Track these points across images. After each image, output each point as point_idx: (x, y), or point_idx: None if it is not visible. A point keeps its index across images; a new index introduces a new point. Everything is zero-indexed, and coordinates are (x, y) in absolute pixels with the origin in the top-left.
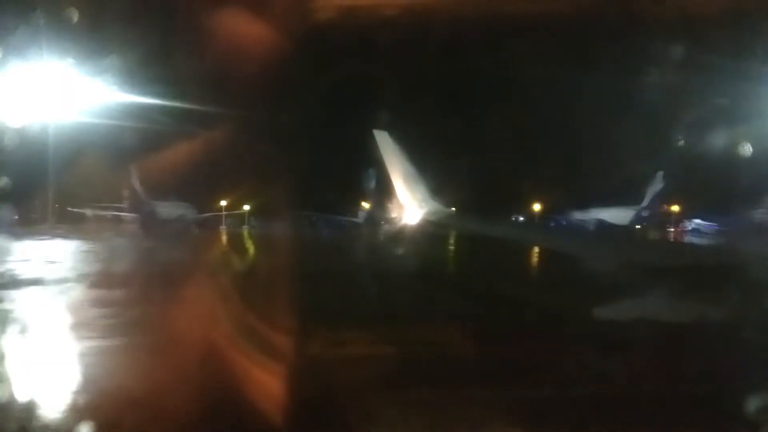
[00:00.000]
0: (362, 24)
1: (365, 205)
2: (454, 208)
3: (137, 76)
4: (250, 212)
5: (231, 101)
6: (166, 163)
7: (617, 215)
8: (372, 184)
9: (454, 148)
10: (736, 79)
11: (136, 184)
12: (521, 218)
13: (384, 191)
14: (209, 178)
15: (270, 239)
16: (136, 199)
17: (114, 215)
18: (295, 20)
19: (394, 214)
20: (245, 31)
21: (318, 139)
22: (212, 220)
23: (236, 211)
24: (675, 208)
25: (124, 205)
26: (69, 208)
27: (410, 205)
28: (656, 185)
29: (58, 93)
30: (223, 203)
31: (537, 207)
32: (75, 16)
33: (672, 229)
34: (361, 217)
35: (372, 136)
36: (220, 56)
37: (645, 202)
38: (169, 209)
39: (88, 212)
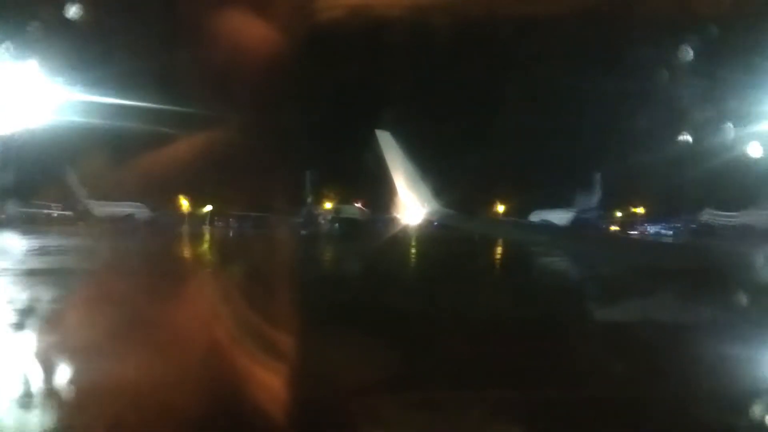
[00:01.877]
0: (366, 24)
1: (313, 204)
2: (454, 208)
3: (129, 75)
4: (213, 212)
5: (230, 101)
6: (133, 162)
7: (560, 217)
8: (310, 185)
9: (452, 148)
10: (692, 79)
11: (73, 182)
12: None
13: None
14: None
15: (209, 238)
16: (72, 197)
17: (48, 213)
18: (299, 20)
19: (360, 213)
20: (247, 30)
21: (315, 139)
22: (171, 219)
23: (201, 211)
24: (639, 210)
25: (62, 203)
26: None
27: (412, 204)
28: (594, 188)
29: (40, 92)
30: (185, 203)
31: (501, 208)
32: (72, 15)
33: (631, 232)
34: (301, 217)
35: (367, 136)
36: (221, 56)
37: (585, 204)
38: (111, 208)
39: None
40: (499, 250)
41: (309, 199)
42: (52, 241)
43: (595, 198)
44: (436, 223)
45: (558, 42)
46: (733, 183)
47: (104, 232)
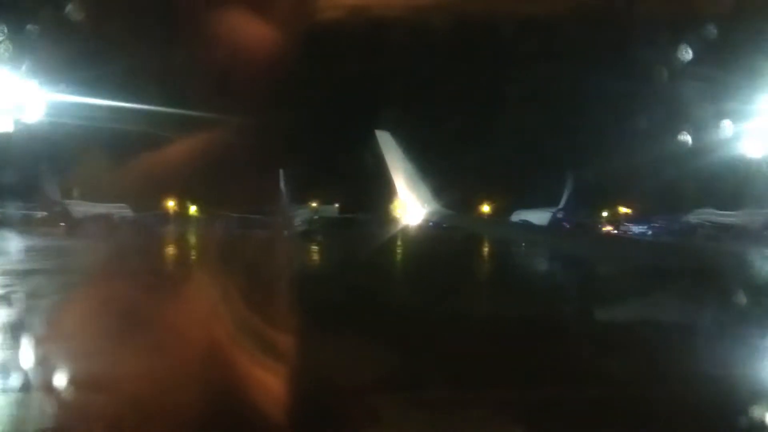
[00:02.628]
0: (367, 23)
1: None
2: (448, 208)
3: (112, 74)
4: (200, 213)
5: (221, 102)
6: (117, 163)
7: (539, 216)
8: (283, 185)
9: (446, 148)
10: (681, 78)
11: (49, 183)
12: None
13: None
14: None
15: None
16: (47, 198)
17: (27, 214)
18: (299, 19)
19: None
20: (247, 30)
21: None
22: (154, 220)
23: (188, 212)
24: (627, 210)
25: (36, 203)
26: None
27: (413, 204)
28: (569, 187)
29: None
30: (171, 204)
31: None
32: (70, 14)
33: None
34: (279, 217)
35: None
36: (213, 55)
37: (561, 204)
38: (89, 209)
39: None
40: (476, 247)
41: (285, 200)
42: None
43: (569, 197)
44: (431, 223)
45: (553, 41)
46: (721, 183)
47: (74, 233)
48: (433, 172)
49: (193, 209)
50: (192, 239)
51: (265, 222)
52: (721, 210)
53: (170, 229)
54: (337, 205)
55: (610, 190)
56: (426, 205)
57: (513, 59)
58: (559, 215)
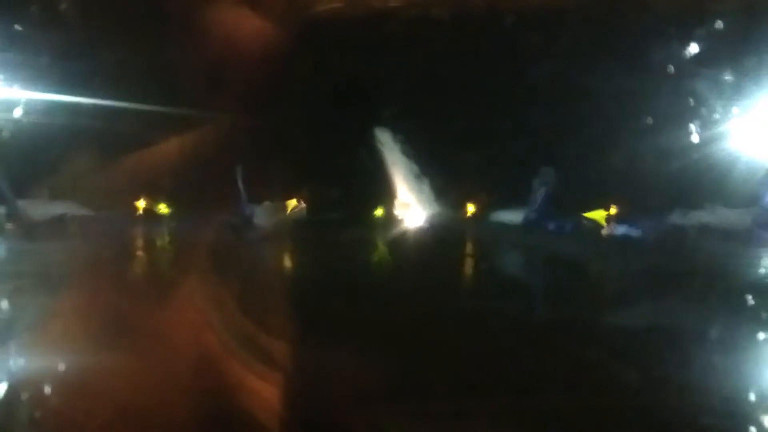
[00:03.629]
0: (363, 16)
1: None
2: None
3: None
4: (172, 213)
5: (222, 99)
6: (81, 162)
7: (515, 216)
8: (240, 184)
9: (439, 148)
10: (664, 76)
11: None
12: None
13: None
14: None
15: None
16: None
17: None
18: (293, 13)
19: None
20: (240, 24)
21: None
22: (115, 219)
23: (153, 211)
24: (612, 210)
25: None
26: None
27: (413, 204)
28: (544, 185)
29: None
30: (142, 203)
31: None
32: (61, 10)
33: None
34: (237, 215)
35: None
36: (214, 51)
37: (534, 204)
38: (45, 208)
39: None
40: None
41: (244, 197)
42: None
43: (542, 197)
44: (429, 223)
45: (556, 38)
46: (710, 183)
47: (26, 235)
48: (433, 171)
49: (161, 208)
50: (147, 240)
51: (226, 222)
52: (708, 210)
53: (131, 228)
54: (303, 204)
55: (596, 189)
56: (425, 205)
57: (513, 56)
58: (532, 216)
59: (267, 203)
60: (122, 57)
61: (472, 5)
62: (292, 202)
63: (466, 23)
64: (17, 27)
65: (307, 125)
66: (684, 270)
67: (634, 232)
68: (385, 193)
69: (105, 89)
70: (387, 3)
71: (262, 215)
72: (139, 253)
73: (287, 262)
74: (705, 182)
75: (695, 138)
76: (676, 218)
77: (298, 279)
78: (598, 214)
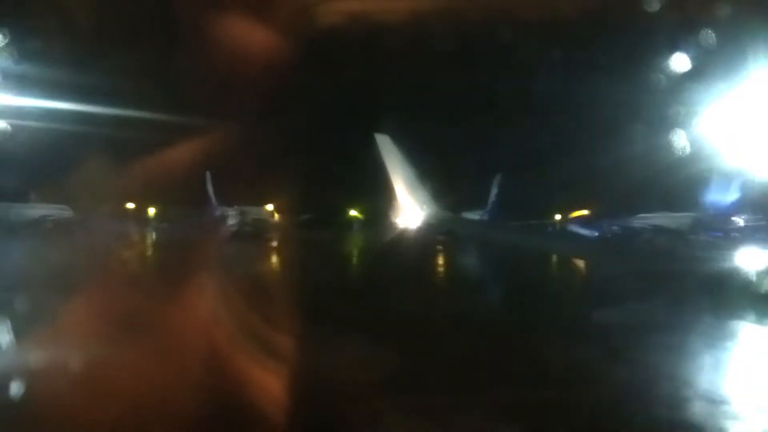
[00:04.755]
0: (367, 29)
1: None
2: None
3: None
4: (156, 215)
5: (229, 109)
6: (65, 164)
7: (473, 216)
8: (210, 188)
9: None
10: (625, 83)
11: None
12: None
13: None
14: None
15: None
16: None
17: None
18: (299, 26)
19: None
20: (247, 36)
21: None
22: (99, 222)
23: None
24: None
25: None
26: None
27: (411, 208)
28: (495, 188)
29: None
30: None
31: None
32: (69, 18)
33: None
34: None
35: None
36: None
37: (488, 206)
38: (26, 210)
39: None
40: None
41: (213, 200)
42: None
43: (492, 199)
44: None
45: (546, 47)
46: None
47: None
48: (432, 175)
49: (147, 211)
50: (117, 238)
51: (198, 223)
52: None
53: (108, 228)
54: (271, 206)
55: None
56: (424, 207)
57: (506, 64)
58: (485, 216)
59: (237, 206)
60: (116, 65)
61: (466, 21)
62: (265, 206)
63: (459, 37)
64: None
65: (288, 134)
66: (616, 258)
67: (588, 232)
68: (361, 198)
69: (95, 96)
70: (387, 17)
71: (233, 217)
72: (102, 248)
73: (239, 260)
74: (660, 189)
75: (652, 148)
76: (632, 221)
77: (239, 273)
78: (576, 215)
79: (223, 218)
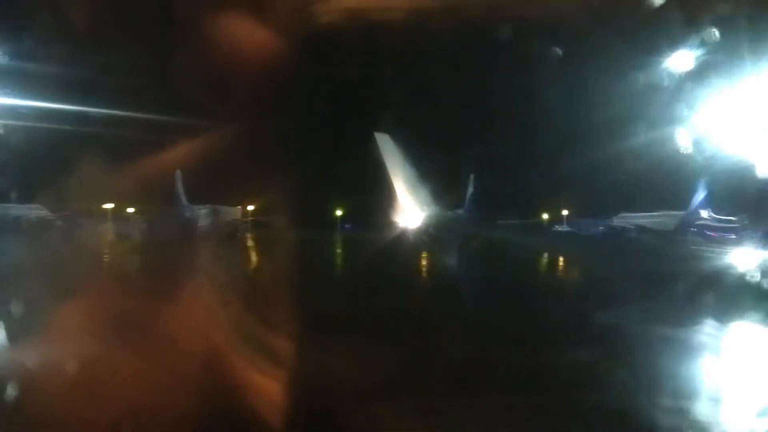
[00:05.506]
0: (366, 27)
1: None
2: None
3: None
4: (133, 215)
5: (227, 108)
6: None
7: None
8: (179, 187)
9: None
10: (610, 81)
11: None
12: None
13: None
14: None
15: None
16: None
17: None
18: (298, 24)
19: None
20: (245, 35)
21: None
22: (75, 222)
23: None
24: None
25: None
26: None
27: (412, 207)
28: (470, 188)
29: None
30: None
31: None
32: (65, 17)
33: None
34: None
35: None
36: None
37: (465, 205)
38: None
39: None
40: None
41: (183, 200)
42: None
43: (469, 199)
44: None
45: (552, 45)
46: (642, 189)
47: None
48: (431, 175)
49: (125, 211)
50: (85, 237)
51: (169, 223)
52: (642, 213)
53: (80, 229)
54: (239, 207)
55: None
56: (424, 207)
57: (508, 62)
58: (463, 215)
59: (209, 206)
60: (100, 61)
61: (467, 20)
62: (235, 207)
63: (460, 36)
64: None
65: (278, 134)
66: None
67: (568, 229)
68: (353, 197)
69: (69, 94)
70: (387, 16)
71: (204, 217)
72: (66, 246)
73: (204, 258)
74: (644, 189)
75: (637, 149)
76: (615, 220)
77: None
78: (554, 215)
79: (194, 218)
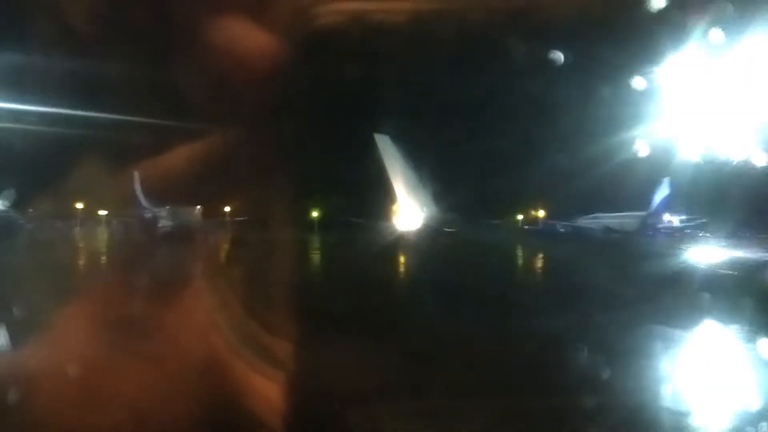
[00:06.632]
0: (367, 29)
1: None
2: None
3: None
4: (104, 217)
5: (226, 113)
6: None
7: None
8: (137, 188)
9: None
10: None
11: None
12: None
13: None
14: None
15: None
16: None
17: None
18: (298, 26)
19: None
20: (245, 37)
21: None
22: (43, 223)
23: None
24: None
25: None
26: None
27: (411, 208)
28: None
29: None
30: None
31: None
32: (63, 20)
33: None
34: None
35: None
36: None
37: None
38: None
39: None
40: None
41: (142, 200)
42: None
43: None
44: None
45: (554, 47)
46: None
47: None
48: (432, 176)
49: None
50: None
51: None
52: (610, 214)
53: (43, 230)
54: (199, 207)
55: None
56: (425, 209)
57: (507, 65)
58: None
59: (168, 207)
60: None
61: (468, 21)
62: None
63: (461, 37)
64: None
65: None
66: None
67: (536, 228)
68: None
69: (47, 96)
70: (388, 18)
71: (164, 218)
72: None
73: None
74: (612, 191)
75: (606, 155)
76: (580, 221)
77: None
78: (535, 215)
79: (154, 219)
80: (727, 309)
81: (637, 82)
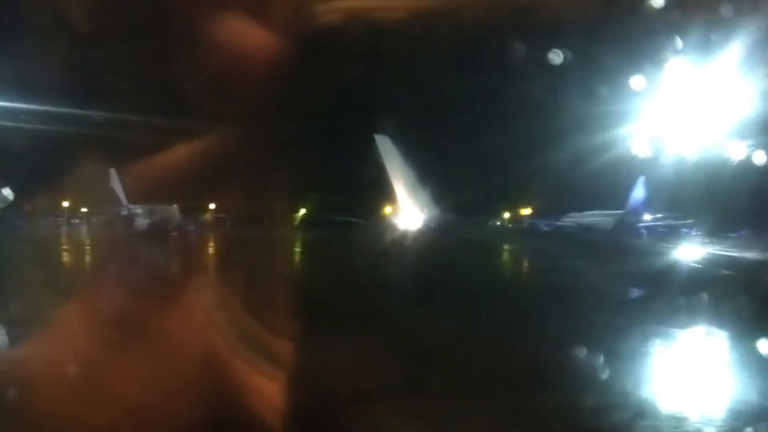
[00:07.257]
0: (367, 28)
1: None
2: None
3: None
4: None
5: (224, 110)
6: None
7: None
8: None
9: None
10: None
11: None
12: None
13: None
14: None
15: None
16: None
17: None
18: (298, 24)
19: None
20: (245, 35)
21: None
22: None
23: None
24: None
25: None
26: None
27: (411, 209)
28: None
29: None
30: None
31: None
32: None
33: None
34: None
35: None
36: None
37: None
38: None
39: None
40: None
41: (119, 198)
42: None
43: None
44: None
45: (561, 47)
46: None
47: None
48: (433, 176)
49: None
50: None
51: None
52: (589, 213)
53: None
54: (175, 205)
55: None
56: (425, 209)
57: (506, 65)
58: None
59: (145, 206)
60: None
61: (468, 22)
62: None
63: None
64: None
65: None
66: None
67: (520, 226)
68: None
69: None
70: (388, 18)
71: (141, 216)
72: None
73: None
74: (592, 191)
75: (590, 154)
76: (562, 219)
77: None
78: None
79: (131, 217)
80: (692, 299)
81: (619, 84)
